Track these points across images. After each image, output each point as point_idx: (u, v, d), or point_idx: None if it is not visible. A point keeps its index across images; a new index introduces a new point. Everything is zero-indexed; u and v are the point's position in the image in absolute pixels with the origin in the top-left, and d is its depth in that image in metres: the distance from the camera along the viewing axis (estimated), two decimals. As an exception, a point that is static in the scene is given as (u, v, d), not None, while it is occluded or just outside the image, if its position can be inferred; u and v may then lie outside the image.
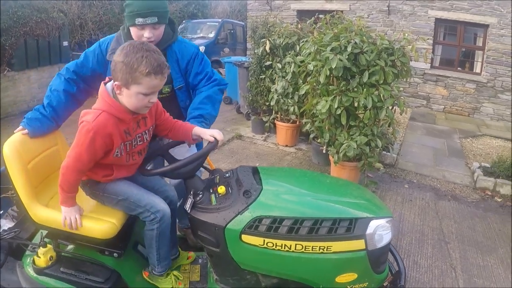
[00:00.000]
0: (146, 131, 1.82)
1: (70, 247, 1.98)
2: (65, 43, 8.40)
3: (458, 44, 8.63)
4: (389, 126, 3.90)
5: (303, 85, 4.00)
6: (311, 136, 4.36)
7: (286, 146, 5.68)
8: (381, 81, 3.55)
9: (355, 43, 3.47)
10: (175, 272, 2.06)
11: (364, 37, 3.60)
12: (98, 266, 1.90)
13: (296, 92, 4.31)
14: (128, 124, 1.68)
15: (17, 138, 1.93)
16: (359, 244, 1.75)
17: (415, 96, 8.95)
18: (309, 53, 3.79)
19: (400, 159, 5.34)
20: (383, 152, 4.90)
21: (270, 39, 5.09)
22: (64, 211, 1.73)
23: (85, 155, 1.62)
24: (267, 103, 5.51)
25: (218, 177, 1.98)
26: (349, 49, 3.46)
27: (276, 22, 5.52)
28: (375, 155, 3.89)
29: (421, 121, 7.83)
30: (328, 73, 3.59)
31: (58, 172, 2.12)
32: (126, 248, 1.99)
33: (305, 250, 1.72)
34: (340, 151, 3.78)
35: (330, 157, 4.09)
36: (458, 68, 8.77)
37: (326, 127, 3.98)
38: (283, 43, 5.00)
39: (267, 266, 1.82)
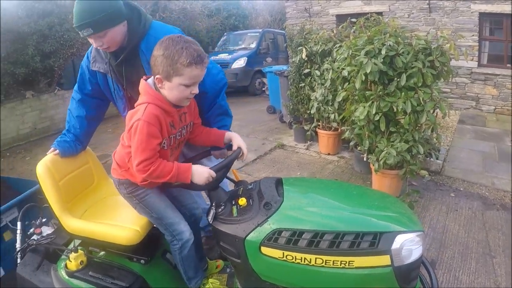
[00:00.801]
0: (185, 127, 1.87)
1: (101, 253, 2.13)
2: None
3: (505, 39, 7.98)
4: (432, 131, 3.73)
5: (340, 92, 3.95)
6: (351, 143, 4.28)
7: (329, 154, 5.58)
8: (420, 84, 3.39)
9: (390, 45, 3.38)
10: (211, 280, 2.12)
11: (399, 38, 3.48)
12: (125, 272, 2.01)
13: (335, 99, 4.25)
14: (173, 117, 1.74)
15: (49, 158, 2.15)
16: (384, 260, 1.66)
17: (463, 98, 8.43)
18: (344, 59, 3.75)
19: (447, 165, 5.04)
20: (429, 158, 4.68)
21: (306, 46, 5.09)
22: (196, 180, 1.74)
23: (148, 150, 1.64)
24: (308, 111, 5.50)
25: (241, 188, 1.99)
26: (383, 52, 3.36)
27: (312, 29, 5.52)
28: (418, 162, 3.70)
29: (470, 124, 7.36)
30: (363, 78, 3.51)
31: (92, 187, 2.29)
32: (153, 255, 2.07)
33: (325, 264, 1.67)
34: (380, 158, 3.67)
35: (371, 165, 3.99)
36: (508, 65, 8.08)
37: (366, 134, 3.89)
38: (320, 50, 4.96)
39: (287, 279, 1.79)
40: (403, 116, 3.53)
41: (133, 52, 1.96)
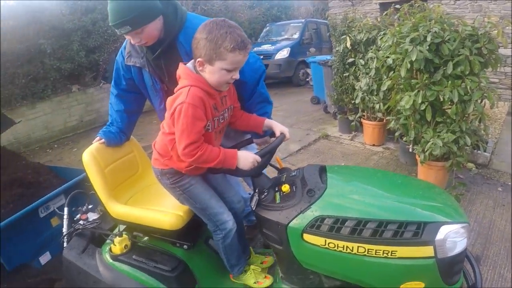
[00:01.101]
0: (227, 110, 1.87)
1: (145, 238, 2.21)
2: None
3: (559, 24, 7.28)
4: (479, 122, 3.59)
5: (385, 81, 3.89)
6: (397, 134, 4.21)
7: (373, 145, 5.49)
8: (467, 72, 3.26)
9: (435, 32, 3.28)
10: (253, 266, 2.14)
11: (445, 25, 3.36)
12: (168, 256, 2.08)
13: (380, 89, 4.19)
14: (215, 100, 1.74)
15: (94, 146, 2.26)
16: (427, 251, 1.63)
17: (513, 88, 7.85)
18: (389, 46, 3.69)
19: (494, 158, 4.79)
20: (476, 151, 4.50)
21: (350, 35, 5.03)
22: (242, 165, 1.76)
23: (193, 133, 1.64)
24: (353, 102, 5.44)
25: (285, 175, 2.01)
26: (428, 38, 3.24)
27: (355, 18, 5.43)
28: (464, 154, 3.56)
29: (519, 116, 6.88)
30: (408, 66, 3.44)
31: (136, 176, 2.37)
32: (196, 241, 2.13)
33: (367, 253, 1.66)
34: (426, 149, 3.59)
35: (417, 157, 3.91)
36: (560, 54, 7.41)
37: (411, 124, 3.82)
38: (364, 39, 4.87)
39: (329, 267, 1.80)
40: (450, 106, 3.42)
41: (171, 44, 1.99)
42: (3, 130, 3.94)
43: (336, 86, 5.82)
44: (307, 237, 1.76)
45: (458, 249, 1.67)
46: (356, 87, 5.14)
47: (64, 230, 2.50)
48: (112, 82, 2.38)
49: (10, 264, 2.98)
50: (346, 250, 1.70)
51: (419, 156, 3.78)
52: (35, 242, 3.10)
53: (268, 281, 2.07)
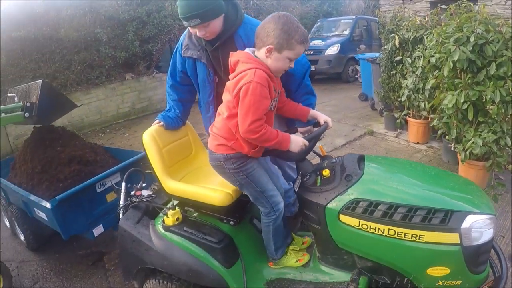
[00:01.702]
0: (277, 94, 1.98)
1: (196, 214, 2.41)
2: (207, 48, 9.69)
3: None
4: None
5: (430, 79, 3.97)
6: (439, 132, 4.25)
7: (418, 143, 5.53)
8: (510, 73, 3.27)
9: (479, 33, 3.33)
10: (291, 247, 2.27)
11: (489, 26, 3.39)
12: (215, 230, 2.25)
13: (425, 87, 4.25)
14: (274, 82, 1.87)
15: (154, 128, 2.49)
16: (453, 238, 1.73)
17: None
18: (433, 46, 3.77)
19: None
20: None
21: (398, 33, 5.10)
22: (293, 147, 1.91)
23: (260, 110, 1.76)
24: (399, 99, 5.51)
25: (326, 162, 2.18)
26: (472, 39, 3.32)
27: (404, 16, 5.46)
28: (505, 154, 3.57)
29: None
30: (451, 65, 3.52)
31: (190, 157, 2.59)
32: (242, 219, 2.29)
33: (397, 236, 1.80)
34: (466, 148, 3.64)
35: (458, 155, 3.96)
36: None
37: (454, 123, 3.88)
38: (412, 37, 4.92)
39: (362, 247, 1.95)
40: (492, 106, 3.48)
41: (229, 38, 2.23)
42: (65, 112, 4.26)
43: (383, 83, 5.89)
44: (343, 218, 1.93)
45: (484, 239, 1.76)
46: (403, 85, 5.20)
47: (121, 202, 2.74)
48: (168, 73, 2.62)
49: (66, 233, 3.25)
50: (378, 231, 1.85)
51: (460, 155, 3.84)
52: (90, 215, 3.39)
53: (307, 257, 2.23)
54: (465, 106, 3.58)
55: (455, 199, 1.85)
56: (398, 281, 1.95)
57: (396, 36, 5.11)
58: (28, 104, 3.60)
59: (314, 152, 2.32)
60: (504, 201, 3.79)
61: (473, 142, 3.53)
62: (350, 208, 1.90)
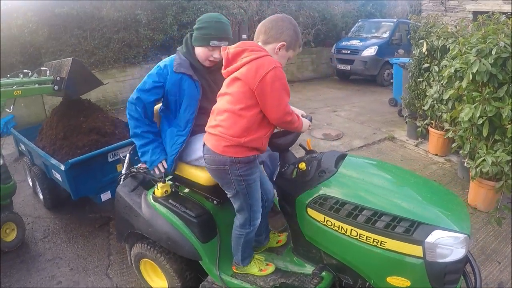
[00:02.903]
0: None
1: (186, 190, 2.51)
2: (244, 36, 9.68)
3: None
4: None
5: (449, 90, 3.81)
6: (454, 145, 4.09)
7: (436, 155, 5.33)
8: None
9: (502, 46, 3.15)
10: (256, 256, 2.29)
11: None
12: (197, 206, 2.35)
13: (444, 97, 4.11)
14: None
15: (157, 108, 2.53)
16: (416, 250, 1.70)
17: None
18: (455, 55, 3.61)
19: None
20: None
21: (427, 40, 4.91)
22: (303, 128, 1.98)
23: (289, 92, 1.82)
24: (423, 108, 5.34)
25: (308, 156, 2.23)
26: (493, 52, 3.16)
27: (436, 23, 5.24)
28: None
29: None
30: (471, 77, 3.38)
31: None
32: (225, 200, 2.29)
33: (359, 238, 1.80)
34: (477, 165, 3.49)
35: (470, 172, 3.80)
36: None
37: (468, 138, 3.73)
38: (441, 45, 4.74)
39: (325, 243, 1.97)
40: (510, 125, 3.30)
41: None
42: (91, 88, 4.48)
43: (410, 89, 5.71)
44: (310, 211, 1.97)
45: (452, 258, 1.71)
46: (427, 94, 5.02)
47: (123, 171, 2.91)
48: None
49: (75, 194, 3.53)
50: (341, 230, 1.87)
51: (471, 172, 3.69)
52: (100, 181, 3.62)
53: (271, 268, 2.21)
54: (480, 121, 3.42)
55: (425, 211, 1.80)
56: (360, 284, 1.95)
57: (425, 43, 4.93)
58: (58, 78, 3.87)
59: (301, 146, 2.39)
60: (508, 225, 3.62)
61: (484, 160, 3.37)
62: (318, 203, 1.93)
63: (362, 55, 10.06)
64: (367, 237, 1.79)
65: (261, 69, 1.72)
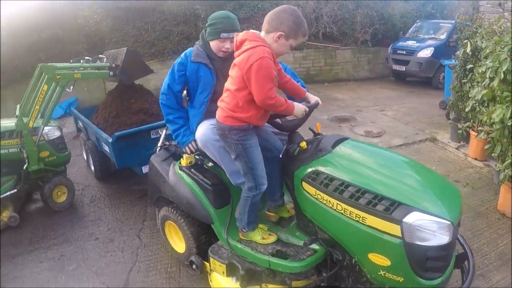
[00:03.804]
0: (278, 70, 2.20)
1: (210, 164, 2.73)
2: (300, 34, 9.81)
3: None
4: None
5: (482, 90, 3.71)
6: (486, 146, 3.95)
7: (476, 159, 5.13)
8: None
9: None
10: (261, 225, 2.43)
11: None
12: (215, 176, 2.59)
13: (477, 97, 3.98)
14: (274, 59, 2.08)
15: None
16: (394, 229, 1.76)
17: None
18: (489, 54, 3.51)
19: None
20: None
21: (471, 40, 4.75)
22: (296, 112, 2.11)
23: (272, 79, 1.99)
24: (466, 109, 5.17)
25: (312, 137, 2.41)
26: (525, 50, 3.06)
27: (482, 23, 5.01)
28: None
29: None
30: (502, 76, 3.28)
31: None
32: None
33: (344, 212, 1.93)
34: (506, 168, 3.39)
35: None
36: None
37: (500, 140, 3.62)
38: (485, 46, 4.56)
39: (317, 216, 2.12)
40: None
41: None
42: (143, 75, 4.83)
43: (454, 91, 5.55)
44: (305, 185, 2.12)
45: (434, 243, 1.75)
46: (470, 95, 4.86)
47: (159, 144, 3.26)
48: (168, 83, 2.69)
49: (120, 164, 4.04)
50: (329, 204, 2.00)
51: (500, 175, 3.58)
52: (142, 155, 3.98)
53: (273, 238, 2.37)
54: (510, 123, 3.32)
55: (408, 193, 1.86)
56: (347, 260, 2.07)
57: (468, 43, 4.77)
58: (113, 65, 4.30)
59: (310, 129, 2.55)
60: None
61: (510, 163, 3.27)
62: (311, 177, 2.08)
63: (417, 56, 9.74)
64: (350, 211, 1.90)
65: (251, 58, 1.96)
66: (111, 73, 4.29)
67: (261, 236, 2.38)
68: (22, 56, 7.34)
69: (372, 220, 1.84)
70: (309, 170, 2.12)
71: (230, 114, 2.14)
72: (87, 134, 4.87)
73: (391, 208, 1.79)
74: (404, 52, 10.09)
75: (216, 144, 2.42)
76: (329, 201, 2.00)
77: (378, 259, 1.87)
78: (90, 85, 7.60)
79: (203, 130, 2.53)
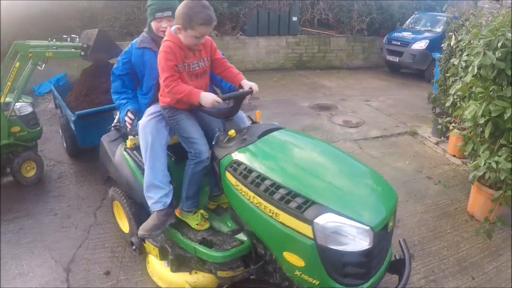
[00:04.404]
0: (202, 60, 2.24)
1: None
2: (294, 18, 9.33)
3: None
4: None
5: (455, 85, 3.37)
6: (458, 144, 3.63)
7: (454, 156, 4.84)
8: None
9: (508, 38, 2.67)
10: (201, 211, 2.30)
11: None
12: None
13: (450, 92, 3.66)
14: (185, 51, 2.14)
15: None
16: (306, 229, 1.60)
17: None
18: (465, 47, 3.16)
19: None
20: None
21: (456, 33, 4.36)
22: (203, 102, 2.03)
23: (167, 70, 2.06)
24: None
25: (246, 126, 2.25)
26: (499, 44, 2.71)
27: (470, 17, 4.59)
28: None
29: None
30: (475, 71, 2.94)
31: None
32: (181, 158, 2.36)
33: (259, 206, 1.76)
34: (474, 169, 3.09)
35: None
36: None
37: (471, 138, 3.30)
38: (460, 38, 4.18)
39: (238, 208, 1.97)
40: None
41: None
42: (114, 56, 4.49)
43: (438, 84, 5.19)
44: (227, 174, 1.96)
45: (351, 248, 1.57)
46: (451, 90, 4.51)
47: (112, 124, 3.09)
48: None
49: (82, 142, 3.98)
50: (247, 196, 1.83)
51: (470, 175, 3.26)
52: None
53: (206, 225, 2.25)
54: (482, 121, 2.99)
55: (325, 191, 1.68)
56: (269, 255, 1.90)
57: (453, 36, 4.39)
58: (85, 45, 4.23)
59: (248, 117, 2.46)
60: (502, 241, 3.20)
61: (478, 163, 2.97)
62: (233, 167, 1.92)
63: (411, 48, 9.33)
64: (265, 206, 1.74)
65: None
66: (82, 53, 4.23)
67: (198, 221, 2.26)
68: (17, 32, 7.09)
69: (284, 217, 1.66)
70: (231, 159, 1.95)
71: (161, 98, 2.28)
72: (61, 111, 4.72)
73: (303, 207, 1.61)
74: (399, 43, 9.67)
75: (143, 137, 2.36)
76: (247, 193, 1.83)
77: (293, 258, 1.70)
78: (79, 61, 7.31)
79: (143, 117, 2.44)
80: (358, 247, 1.56)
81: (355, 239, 1.54)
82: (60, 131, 5.07)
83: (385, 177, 2.04)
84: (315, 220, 1.55)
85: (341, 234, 1.54)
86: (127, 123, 2.56)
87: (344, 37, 10.25)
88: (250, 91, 2.18)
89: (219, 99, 2.04)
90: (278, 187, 1.71)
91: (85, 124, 3.81)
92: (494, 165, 2.97)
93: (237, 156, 1.92)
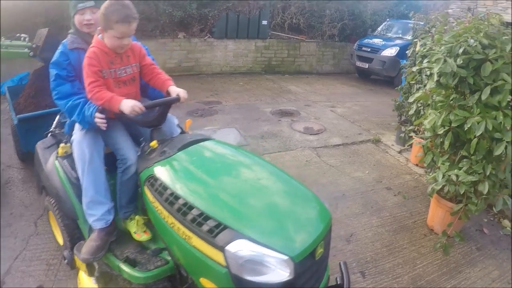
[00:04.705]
0: (130, 66, 2.12)
1: None
2: (264, 22, 9.04)
3: None
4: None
5: (415, 93, 3.14)
6: (418, 154, 3.40)
7: (417, 165, 4.65)
8: (504, 103, 2.42)
9: (470, 45, 2.45)
10: (137, 217, 2.09)
11: (496, 41, 2.49)
12: None
13: (409, 100, 3.44)
14: (111, 57, 2.02)
15: None
16: (218, 256, 1.38)
17: None
18: (426, 53, 2.93)
19: None
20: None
21: (420, 39, 4.16)
22: (123, 108, 1.89)
23: (90, 76, 1.96)
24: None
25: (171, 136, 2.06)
26: (460, 51, 2.48)
27: (436, 23, 4.41)
28: (480, 203, 2.73)
29: None
30: (435, 78, 2.70)
31: None
32: (113, 170, 2.17)
33: (173, 226, 1.56)
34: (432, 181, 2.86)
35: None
36: None
37: (430, 148, 3.07)
38: (421, 44, 3.99)
39: (156, 225, 1.77)
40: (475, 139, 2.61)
41: None
42: None
43: (402, 92, 4.99)
44: (146, 189, 1.78)
45: (266, 279, 1.34)
46: (410, 99, 4.30)
47: (51, 130, 2.88)
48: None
49: (25, 147, 3.71)
50: (161, 214, 1.64)
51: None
52: None
53: (146, 236, 2.04)
54: (441, 131, 2.75)
55: (240, 214, 1.45)
56: (190, 279, 1.67)
57: (418, 42, 4.18)
58: (34, 45, 4.01)
59: (178, 126, 2.29)
60: (467, 258, 2.98)
61: (436, 175, 2.73)
62: (150, 182, 1.74)
63: (381, 54, 9.23)
64: (178, 227, 1.54)
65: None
66: (31, 53, 4.02)
67: (136, 230, 2.04)
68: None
69: (196, 241, 1.45)
70: (149, 174, 1.75)
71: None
72: (12, 113, 4.37)
73: (215, 231, 1.40)
74: (369, 50, 9.55)
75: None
76: (162, 212, 1.63)
77: (210, 285, 1.48)
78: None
79: (76, 130, 2.23)
80: (277, 278, 1.33)
81: (274, 269, 1.33)
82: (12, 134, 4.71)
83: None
84: (227, 248, 1.34)
85: (256, 263, 1.33)
86: (101, 125, 2.12)
87: (315, 42, 10.07)
88: (177, 98, 2.01)
89: (141, 106, 1.87)
90: (191, 207, 1.49)
91: (28, 127, 3.58)
92: (454, 177, 2.75)
93: (155, 170, 1.72)
